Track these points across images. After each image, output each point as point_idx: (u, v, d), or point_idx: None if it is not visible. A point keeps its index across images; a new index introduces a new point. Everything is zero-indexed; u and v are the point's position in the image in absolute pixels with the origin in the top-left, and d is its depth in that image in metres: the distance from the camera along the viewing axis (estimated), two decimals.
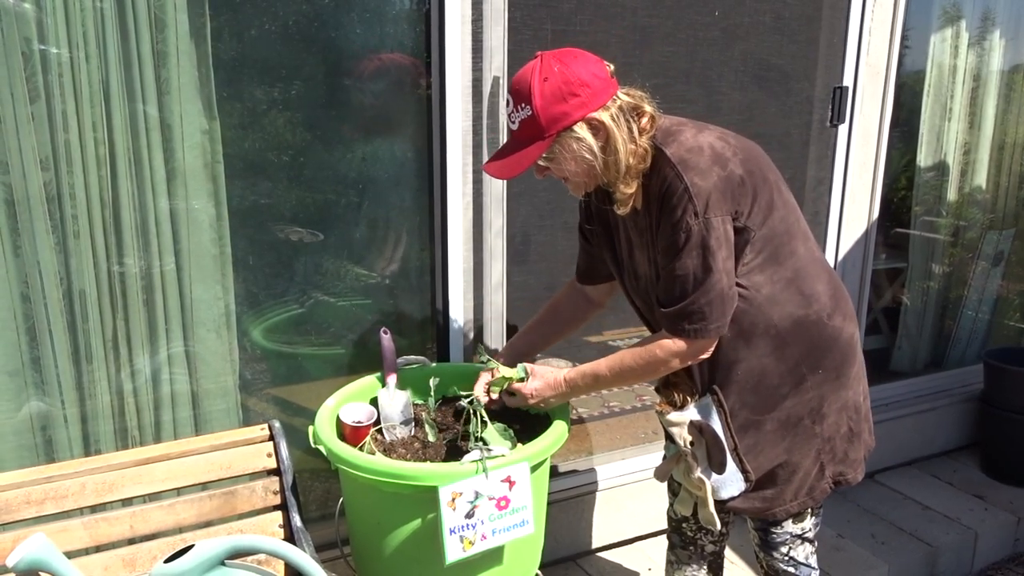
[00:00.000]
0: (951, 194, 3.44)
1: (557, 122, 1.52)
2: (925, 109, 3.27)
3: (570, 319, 2.01)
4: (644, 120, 1.58)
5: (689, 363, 1.64)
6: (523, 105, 1.53)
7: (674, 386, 1.76)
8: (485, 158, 2.21)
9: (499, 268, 2.30)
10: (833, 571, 2.61)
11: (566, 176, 1.63)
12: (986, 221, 3.59)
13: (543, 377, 1.76)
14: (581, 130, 1.53)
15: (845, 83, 2.84)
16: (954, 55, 3.25)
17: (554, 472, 2.58)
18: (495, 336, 2.35)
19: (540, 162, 1.58)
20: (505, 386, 1.78)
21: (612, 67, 1.58)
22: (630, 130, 1.55)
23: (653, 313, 1.77)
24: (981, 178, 3.50)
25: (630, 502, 2.71)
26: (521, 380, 1.77)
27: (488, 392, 1.79)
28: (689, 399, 1.72)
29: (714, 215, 1.52)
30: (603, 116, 1.53)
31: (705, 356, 1.64)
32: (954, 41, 3.23)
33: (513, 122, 1.57)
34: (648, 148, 1.57)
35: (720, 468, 1.70)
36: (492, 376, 1.81)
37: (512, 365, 1.85)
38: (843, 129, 2.89)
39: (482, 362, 1.87)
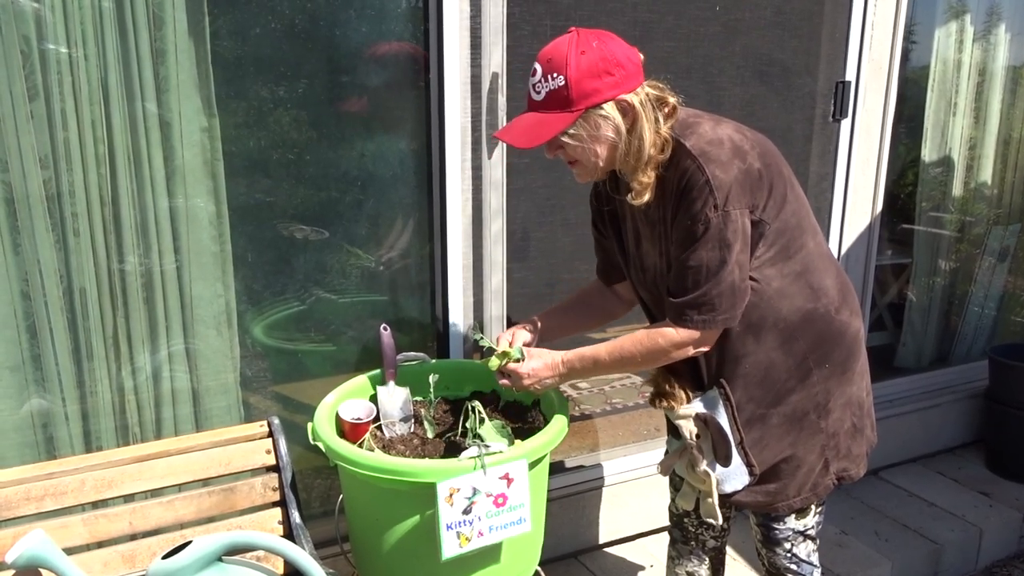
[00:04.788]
0: (956, 189, 3.42)
1: (587, 97, 1.50)
2: (930, 104, 3.25)
3: (598, 309, 1.97)
4: (667, 111, 1.57)
5: (691, 354, 1.62)
6: (555, 75, 1.50)
7: (676, 376, 1.74)
8: (484, 154, 2.21)
9: (500, 264, 2.30)
10: (837, 568, 2.60)
11: (577, 158, 1.59)
12: (992, 216, 3.57)
13: (540, 357, 1.72)
14: (610, 109, 1.51)
15: (848, 78, 2.83)
16: (959, 50, 3.23)
17: (556, 468, 2.58)
18: (495, 333, 2.34)
19: (562, 137, 1.54)
20: (503, 362, 1.73)
21: (643, 56, 1.57)
22: (656, 118, 1.54)
23: (659, 305, 1.76)
24: (987, 173, 3.48)
25: (632, 498, 2.70)
26: (517, 361, 1.72)
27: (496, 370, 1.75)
28: (685, 397, 1.72)
29: (733, 208, 1.51)
30: (633, 100, 1.52)
31: (705, 348, 1.62)
32: (959, 36, 3.21)
33: (538, 92, 1.54)
34: (668, 138, 1.56)
35: (726, 461, 1.70)
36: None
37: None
38: (846, 124, 2.87)
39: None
